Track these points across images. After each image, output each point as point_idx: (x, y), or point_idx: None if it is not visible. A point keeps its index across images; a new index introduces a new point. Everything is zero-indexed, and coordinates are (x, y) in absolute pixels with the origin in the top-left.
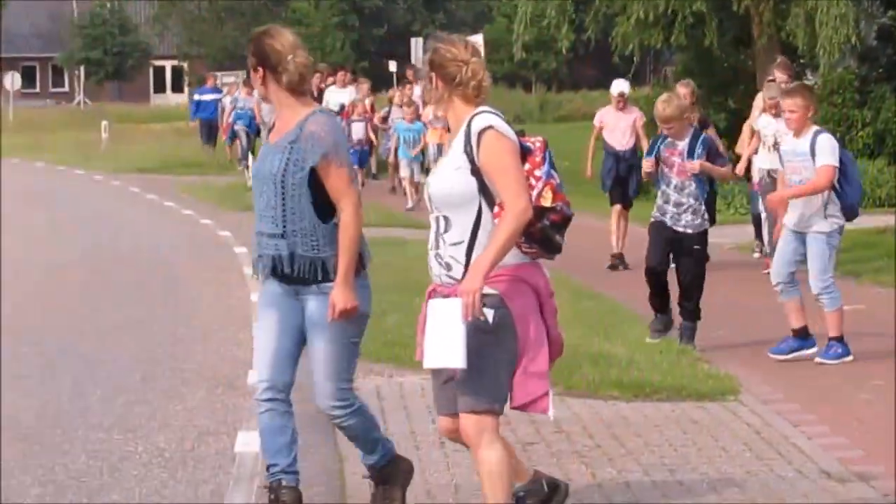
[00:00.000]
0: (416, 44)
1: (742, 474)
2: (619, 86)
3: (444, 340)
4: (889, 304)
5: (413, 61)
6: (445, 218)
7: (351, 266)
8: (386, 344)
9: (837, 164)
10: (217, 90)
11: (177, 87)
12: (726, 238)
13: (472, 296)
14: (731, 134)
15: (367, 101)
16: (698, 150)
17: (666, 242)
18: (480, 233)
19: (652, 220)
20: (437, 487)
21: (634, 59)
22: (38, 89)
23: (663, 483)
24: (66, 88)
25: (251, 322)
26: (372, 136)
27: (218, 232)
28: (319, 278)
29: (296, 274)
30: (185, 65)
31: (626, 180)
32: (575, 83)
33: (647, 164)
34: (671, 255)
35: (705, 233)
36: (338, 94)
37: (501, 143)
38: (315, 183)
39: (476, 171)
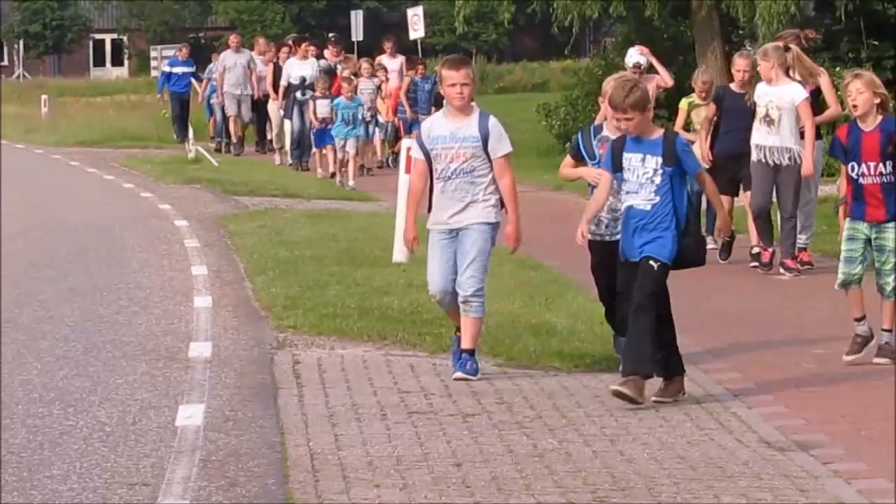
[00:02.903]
0: (357, 16)
1: (683, 444)
2: (634, 56)
3: None
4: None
5: (353, 33)
6: None
7: None
8: (327, 316)
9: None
10: (189, 62)
11: (116, 61)
12: None
13: None
14: (669, 107)
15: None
16: None
17: (610, 257)
18: None
19: (590, 237)
20: (378, 459)
21: (574, 30)
22: None
23: (604, 453)
24: (6, 62)
25: (192, 295)
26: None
27: (159, 205)
28: None
29: None
30: (125, 38)
31: None
32: (516, 54)
33: (594, 172)
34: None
35: None
36: (299, 67)
37: None
38: None
39: None
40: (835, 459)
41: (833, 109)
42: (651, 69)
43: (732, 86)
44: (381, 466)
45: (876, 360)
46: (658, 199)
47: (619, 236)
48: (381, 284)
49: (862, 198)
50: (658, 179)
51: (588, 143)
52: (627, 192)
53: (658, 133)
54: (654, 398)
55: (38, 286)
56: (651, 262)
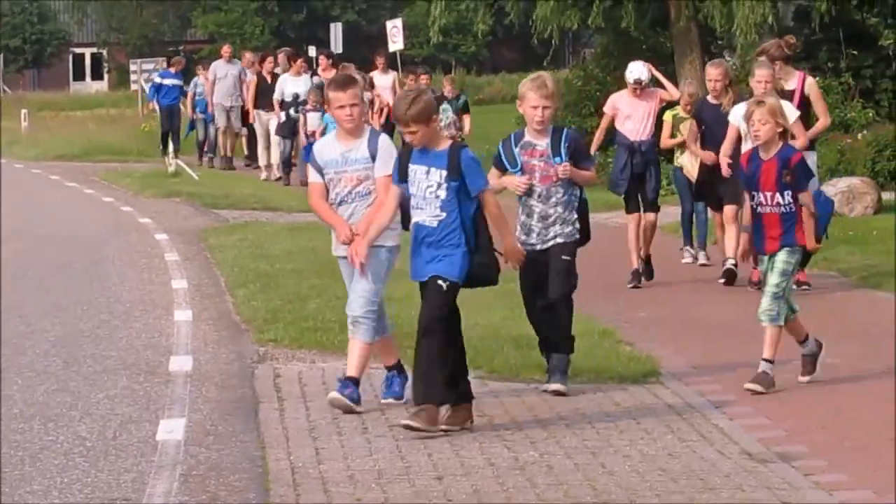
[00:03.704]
0: (336, 29)
1: (664, 456)
2: (636, 72)
3: None
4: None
5: (333, 46)
6: None
7: None
8: (307, 329)
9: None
10: (179, 75)
11: (96, 75)
12: None
13: None
14: None
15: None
16: (563, 147)
17: (539, 272)
18: None
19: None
20: (359, 473)
21: (553, 41)
22: None
23: (585, 465)
24: None
25: (173, 309)
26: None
27: (139, 219)
28: None
29: None
30: (105, 52)
31: (642, 178)
32: (495, 66)
33: (518, 181)
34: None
35: (576, 244)
36: (293, 84)
37: None
38: None
39: None
40: (816, 471)
41: (822, 122)
42: (656, 83)
43: (709, 98)
44: (362, 480)
45: (748, 385)
46: (444, 214)
47: (550, 244)
48: None
49: (761, 229)
50: (443, 194)
51: (509, 151)
52: (415, 207)
53: (445, 145)
54: (441, 426)
55: (19, 300)
56: (440, 282)
